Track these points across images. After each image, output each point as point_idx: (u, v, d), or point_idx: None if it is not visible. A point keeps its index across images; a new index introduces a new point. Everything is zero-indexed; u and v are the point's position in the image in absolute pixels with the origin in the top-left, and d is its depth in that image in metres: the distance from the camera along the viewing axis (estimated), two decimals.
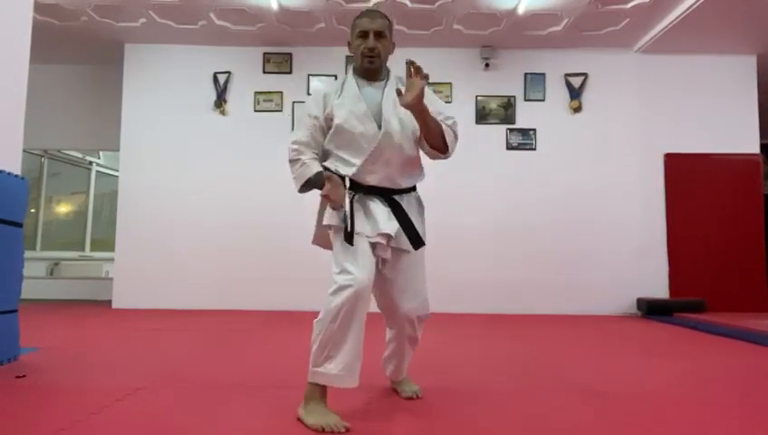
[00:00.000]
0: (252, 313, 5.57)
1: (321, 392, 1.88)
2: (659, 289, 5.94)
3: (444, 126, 2.02)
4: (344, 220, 1.94)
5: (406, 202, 2.07)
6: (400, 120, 2.02)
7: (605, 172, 6.09)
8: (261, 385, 2.45)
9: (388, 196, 2.03)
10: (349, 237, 1.92)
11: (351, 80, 2.07)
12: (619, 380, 2.67)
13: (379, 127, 1.99)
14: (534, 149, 6.14)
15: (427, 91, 1.99)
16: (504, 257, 5.98)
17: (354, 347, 1.86)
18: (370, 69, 2.05)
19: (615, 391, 2.41)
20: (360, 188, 2.00)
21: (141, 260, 5.98)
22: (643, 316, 5.71)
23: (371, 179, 2.00)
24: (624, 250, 5.99)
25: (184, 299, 5.90)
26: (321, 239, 2.12)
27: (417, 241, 2.02)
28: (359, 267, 1.87)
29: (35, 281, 6.54)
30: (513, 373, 2.79)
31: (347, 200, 1.96)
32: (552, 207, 6.03)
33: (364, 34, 2.02)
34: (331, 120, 2.02)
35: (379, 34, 2.02)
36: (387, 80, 2.09)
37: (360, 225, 1.96)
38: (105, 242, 8.00)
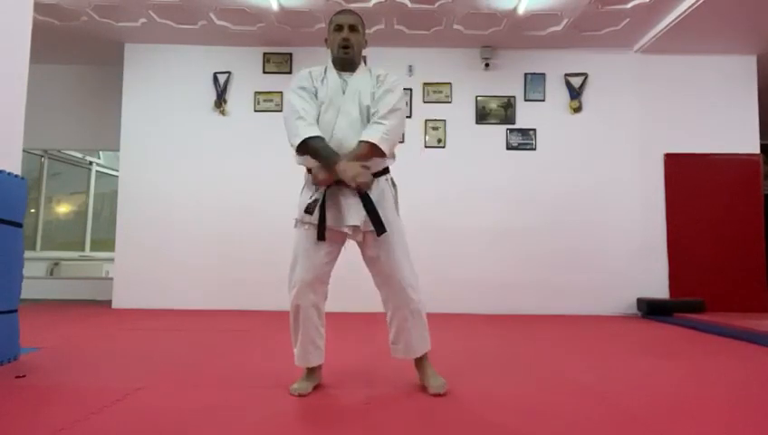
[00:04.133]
0: (252, 313, 5.56)
1: (308, 370, 2.33)
2: (659, 289, 5.94)
3: (378, 138, 2.11)
4: (312, 211, 2.15)
5: (376, 190, 2.19)
6: (361, 109, 2.17)
7: (605, 172, 6.09)
8: (261, 385, 2.45)
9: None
10: (320, 234, 2.14)
11: (332, 68, 2.28)
12: (619, 380, 2.67)
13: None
14: (534, 149, 6.14)
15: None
16: (504, 257, 5.98)
17: (307, 335, 2.28)
18: (345, 59, 2.26)
19: (615, 390, 2.41)
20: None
21: (141, 260, 5.98)
22: (643, 316, 5.71)
23: None
24: (624, 250, 5.99)
25: (184, 299, 5.89)
26: None
27: (380, 228, 2.16)
28: (300, 267, 2.20)
29: (35, 281, 6.53)
30: (513, 373, 2.79)
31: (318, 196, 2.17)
32: (552, 207, 6.03)
33: (340, 28, 2.27)
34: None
35: (352, 28, 2.26)
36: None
37: (328, 217, 2.16)
38: (105, 242, 8.01)
